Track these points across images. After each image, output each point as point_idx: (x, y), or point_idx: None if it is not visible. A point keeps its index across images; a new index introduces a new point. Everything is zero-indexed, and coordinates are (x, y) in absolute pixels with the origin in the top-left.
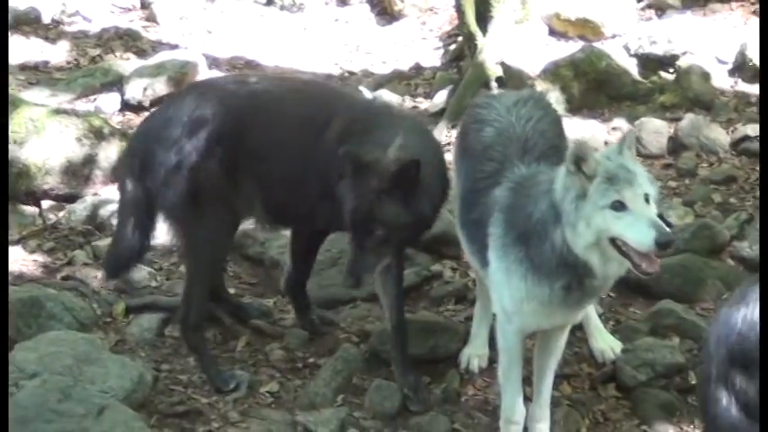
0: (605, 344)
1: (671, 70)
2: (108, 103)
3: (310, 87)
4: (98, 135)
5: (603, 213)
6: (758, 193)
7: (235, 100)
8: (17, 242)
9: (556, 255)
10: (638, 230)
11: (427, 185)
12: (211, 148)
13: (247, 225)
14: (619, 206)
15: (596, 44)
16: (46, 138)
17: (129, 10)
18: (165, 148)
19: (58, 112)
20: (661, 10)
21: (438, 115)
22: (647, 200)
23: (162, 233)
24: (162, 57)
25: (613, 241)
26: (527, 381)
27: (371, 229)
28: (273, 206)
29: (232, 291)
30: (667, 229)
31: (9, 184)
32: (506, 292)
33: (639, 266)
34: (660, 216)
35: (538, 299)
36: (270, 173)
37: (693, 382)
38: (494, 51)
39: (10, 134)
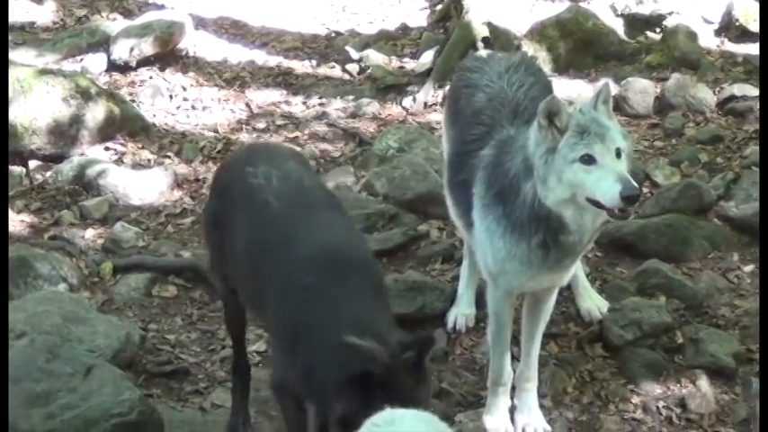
0: (592, 303)
1: (657, 30)
2: (94, 63)
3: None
4: (85, 95)
5: (573, 167)
6: (745, 153)
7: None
8: None
9: (527, 209)
10: (605, 185)
11: None
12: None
13: None
14: (588, 160)
15: (582, 4)
16: (33, 98)
17: None
18: None
19: (44, 72)
20: None
21: (425, 75)
22: (618, 154)
23: (150, 193)
24: (148, 17)
25: (589, 199)
26: (515, 341)
27: None
28: None
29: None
30: (634, 184)
31: None
32: (489, 253)
33: (613, 211)
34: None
35: (518, 258)
36: None
37: (680, 342)
38: (480, 11)
39: None
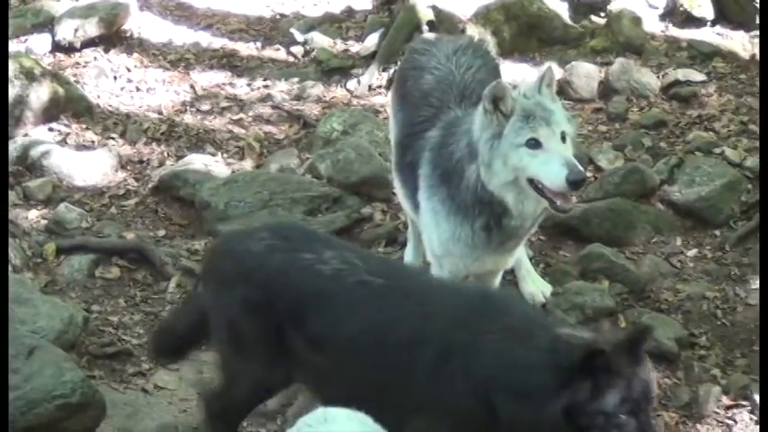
0: (535, 287)
1: (602, 14)
2: (39, 43)
3: None
4: (29, 76)
5: (519, 151)
6: (688, 138)
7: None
8: None
9: (471, 192)
10: (551, 169)
11: None
12: None
13: (177, 166)
14: (534, 144)
15: None
16: None
17: None
18: None
19: None
20: None
21: (369, 58)
22: (563, 138)
23: (94, 174)
24: None
25: (531, 180)
26: None
27: None
28: None
29: (162, 233)
30: (580, 168)
31: None
32: (434, 235)
33: (554, 203)
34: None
35: (462, 240)
36: None
37: (623, 326)
38: None
39: None
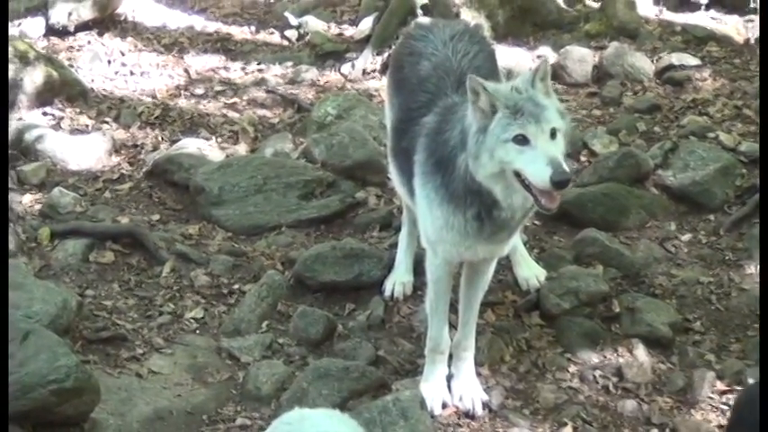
0: (530, 272)
1: None
2: (33, 27)
3: None
4: (23, 60)
5: (506, 147)
6: (682, 122)
7: None
8: None
9: (462, 181)
10: (536, 167)
11: None
12: None
13: (171, 150)
14: (522, 140)
15: None
16: None
17: None
18: None
19: None
20: None
21: (363, 42)
22: (553, 134)
23: (88, 158)
24: None
25: (518, 175)
26: (452, 309)
27: None
28: None
29: (156, 217)
30: (565, 168)
31: None
32: (428, 221)
33: (539, 201)
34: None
35: (455, 228)
36: None
37: (617, 311)
38: None
39: None
